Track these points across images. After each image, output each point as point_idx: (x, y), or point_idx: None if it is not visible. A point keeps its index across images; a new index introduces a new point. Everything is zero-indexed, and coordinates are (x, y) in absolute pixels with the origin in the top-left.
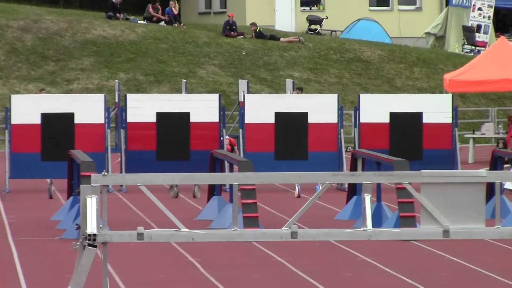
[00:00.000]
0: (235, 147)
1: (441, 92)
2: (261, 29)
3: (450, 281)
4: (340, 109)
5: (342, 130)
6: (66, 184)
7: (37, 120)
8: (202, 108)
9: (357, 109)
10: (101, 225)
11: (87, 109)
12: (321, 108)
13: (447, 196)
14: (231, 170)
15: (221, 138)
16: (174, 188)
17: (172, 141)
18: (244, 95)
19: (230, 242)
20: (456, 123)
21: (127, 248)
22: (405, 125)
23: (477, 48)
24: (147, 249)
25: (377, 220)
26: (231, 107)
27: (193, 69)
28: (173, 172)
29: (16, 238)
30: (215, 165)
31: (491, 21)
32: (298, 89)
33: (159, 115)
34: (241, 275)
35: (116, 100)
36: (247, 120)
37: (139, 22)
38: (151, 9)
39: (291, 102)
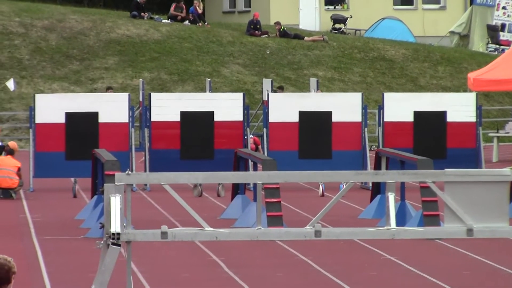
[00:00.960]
0: (259, 146)
1: (465, 91)
2: (285, 28)
3: (473, 280)
4: (364, 108)
5: (366, 129)
6: (90, 183)
7: (61, 119)
8: (226, 107)
9: (381, 108)
10: (125, 224)
11: (111, 108)
12: (345, 107)
13: (471, 195)
14: (255, 169)
15: (245, 137)
16: (198, 187)
17: (196, 140)
18: (268, 94)
19: (254, 241)
20: (480, 122)
21: (151, 247)
22: (429, 124)
23: (501, 47)
24: (171, 248)
25: (401, 219)
26: (255, 106)
27: (217, 68)
28: (197, 171)
29: (40, 237)
30: (239, 164)
31: None
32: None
33: (183, 114)
34: (265, 274)
35: (140, 99)
36: (271, 119)
37: (163, 21)
38: (174, 8)
39: (315, 101)
